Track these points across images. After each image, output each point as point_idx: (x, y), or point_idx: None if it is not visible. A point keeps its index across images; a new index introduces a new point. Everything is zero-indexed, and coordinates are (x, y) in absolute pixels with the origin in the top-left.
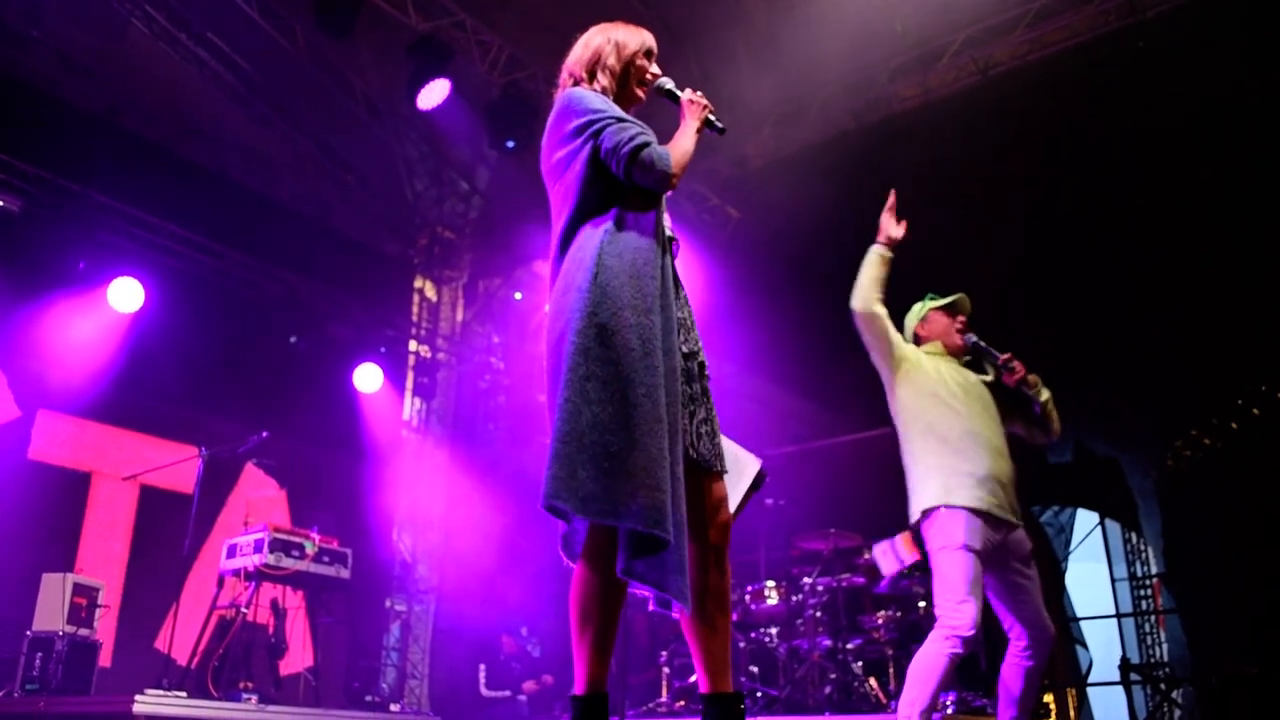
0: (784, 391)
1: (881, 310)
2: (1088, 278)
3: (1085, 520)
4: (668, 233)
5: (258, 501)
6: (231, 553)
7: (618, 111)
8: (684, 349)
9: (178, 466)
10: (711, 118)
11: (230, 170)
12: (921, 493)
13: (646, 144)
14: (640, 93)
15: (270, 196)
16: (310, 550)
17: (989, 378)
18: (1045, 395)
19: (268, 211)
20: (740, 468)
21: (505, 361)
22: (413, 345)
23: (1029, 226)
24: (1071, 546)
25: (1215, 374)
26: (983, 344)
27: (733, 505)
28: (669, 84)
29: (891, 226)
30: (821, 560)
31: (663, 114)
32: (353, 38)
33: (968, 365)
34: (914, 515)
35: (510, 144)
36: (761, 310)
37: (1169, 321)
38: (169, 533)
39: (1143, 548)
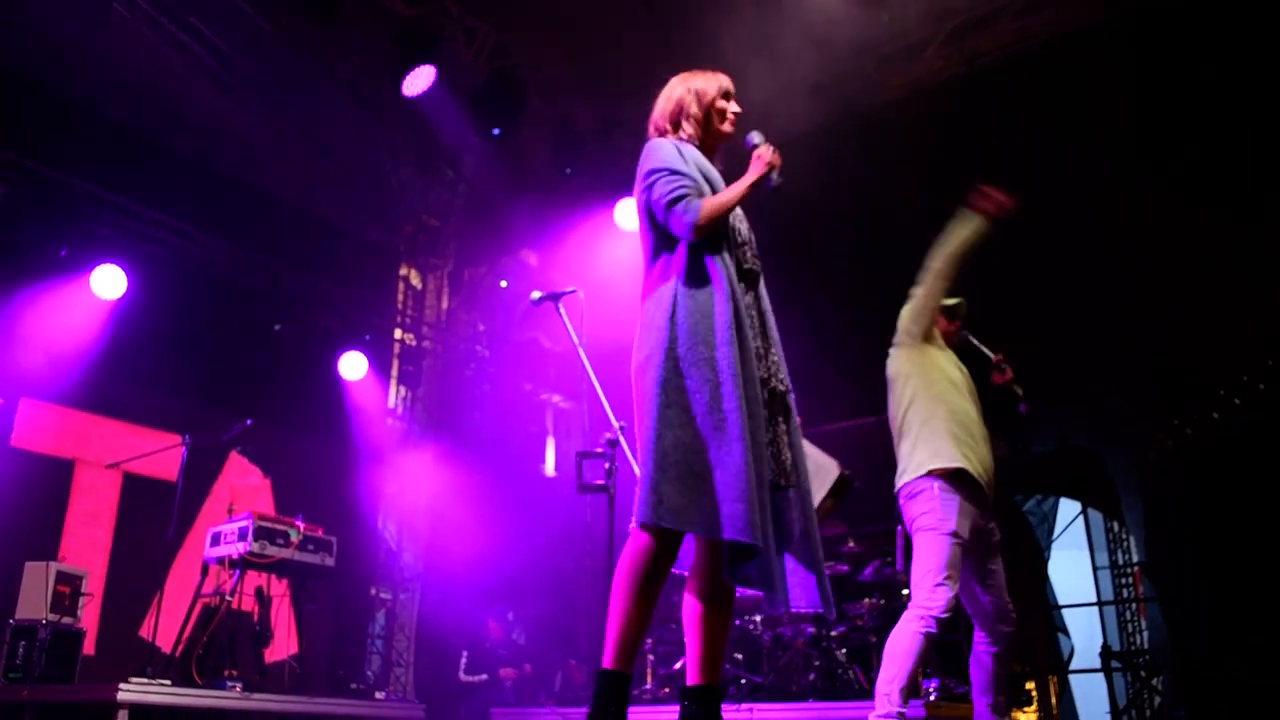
0: None
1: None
2: (1070, 268)
3: (1068, 509)
4: (747, 266)
5: (242, 489)
6: (216, 540)
7: (676, 164)
8: (777, 386)
9: (161, 454)
10: (774, 174)
11: (213, 157)
12: (924, 451)
13: (683, 196)
14: (727, 129)
15: (254, 183)
16: (295, 538)
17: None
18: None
19: (251, 198)
20: (819, 474)
21: (490, 349)
22: (398, 333)
23: (1012, 217)
24: (1054, 535)
25: (1197, 364)
26: (975, 342)
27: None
28: (757, 139)
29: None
30: None
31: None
32: (337, 23)
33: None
34: (911, 473)
35: (496, 131)
36: None
37: (1152, 312)
38: (153, 520)
39: (1124, 536)
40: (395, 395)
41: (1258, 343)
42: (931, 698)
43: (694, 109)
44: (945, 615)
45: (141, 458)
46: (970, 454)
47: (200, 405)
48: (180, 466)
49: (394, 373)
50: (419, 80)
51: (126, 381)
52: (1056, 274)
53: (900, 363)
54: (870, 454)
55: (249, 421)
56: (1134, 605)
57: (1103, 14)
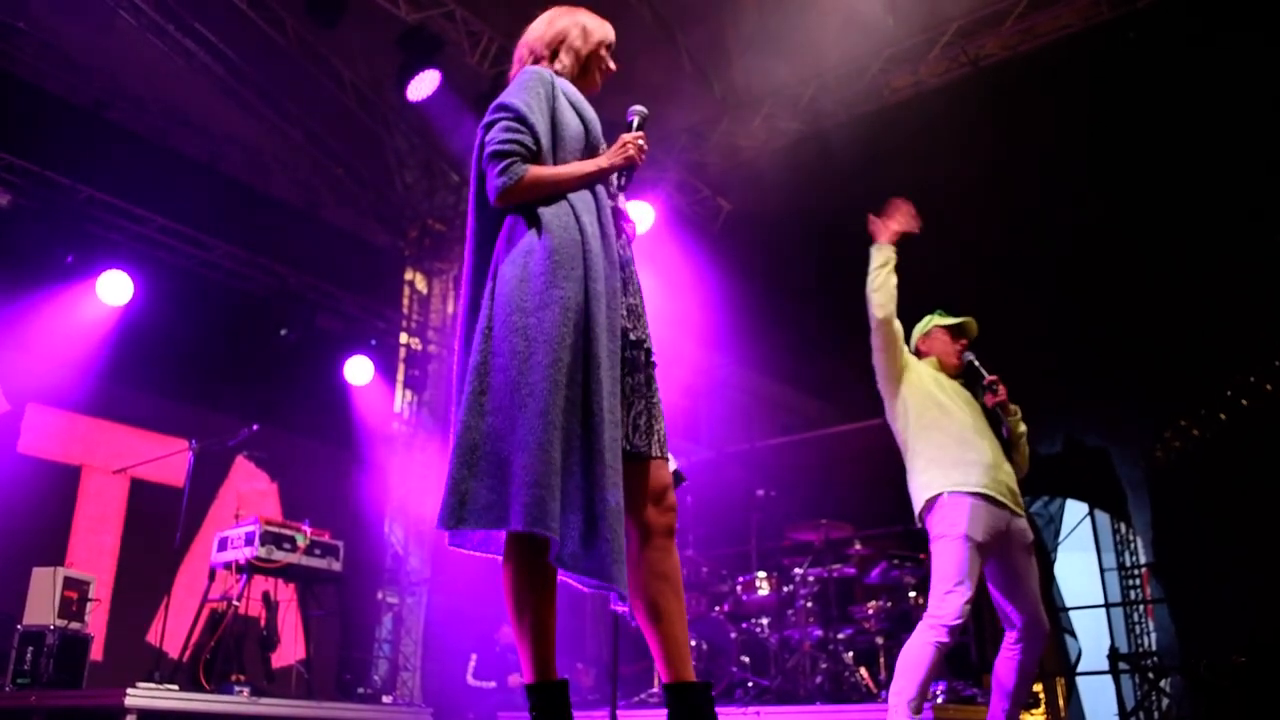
0: (776, 382)
1: (897, 321)
2: (1078, 268)
3: (1075, 510)
4: (599, 223)
5: (249, 494)
6: (223, 546)
7: (530, 112)
8: (633, 336)
9: (168, 459)
10: (624, 174)
11: (219, 162)
12: (925, 484)
13: (510, 152)
14: (598, 78)
15: (259, 188)
16: (302, 543)
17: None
18: (1022, 429)
19: (257, 203)
20: None
21: None
22: (403, 338)
23: (1019, 217)
24: (1061, 536)
25: (1205, 365)
26: (976, 362)
27: None
28: (636, 120)
29: (898, 224)
30: (813, 551)
31: (611, 99)
32: (341, 28)
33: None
34: (918, 507)
35: None
36: (753, 301)
37: (1159, 312)
38: (160, 526)
39: (1131, 538)
40: (401, 399)
41: (1265, 344)
42: (939, 700)
43: (578, 43)
44: (958, 622)
45: (148, 463)
46: (969, 469)
47: (206, 410)
48: (187, 472)
49: (400, 377)
50: (423, 85)
51: (133, 387)
52: (1064, 272)
53: (890, 393)
54: (876, 457)
55: (255, 426)
56: (1141, 607)
57: (1108, 13)
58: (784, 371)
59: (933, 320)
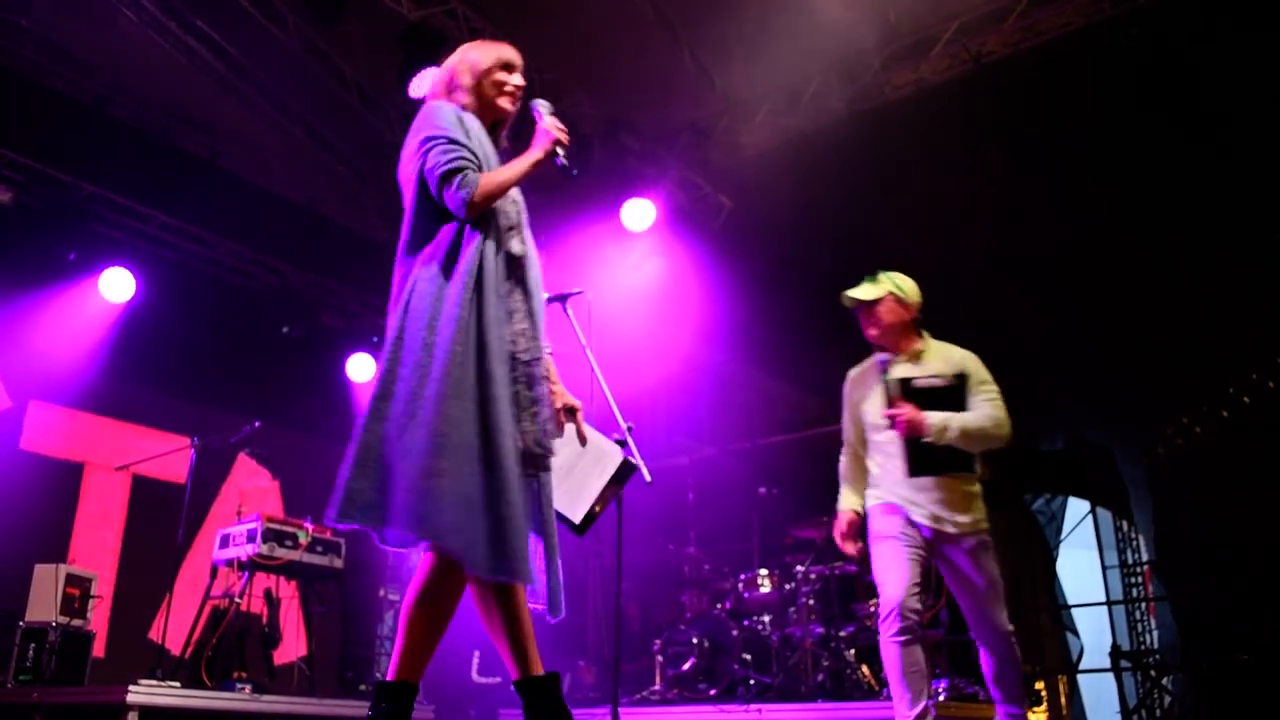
0: (777, 380)
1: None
2: (1079, 265)
3: (1076, 508)
4: (515, 252)
5: (251, 491)
6: (224, 543)
7: (455, 132)
8: (524, 356)
9: (170, 456)
10: (560, 151)
11: (221, 159)
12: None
13: (460, 169)
14: (504, 104)
15: (261, 185)
16: (303, 540)
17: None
18: (950, 434)
19: (259, 200)
20: (601, 459)
21: None
22: None
23: (1021, 215)
24: (1063, 534)
25: (1207, 362)
26: (892, 388)
27: (592, 498)
28: (544, 109)
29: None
30: (815, 548)
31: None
32: (343, 25)
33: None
34: None
35: None
36: (754, 298)
37: (1161, 309)
38: (162, 523)
39: (1134, 535)
40: None
41: (1267, 341)
42: (941, 697)
43: (465, 79)
44: (895, 610)
45: (150, 460)
46: (882, 488)
47: (208, 407)
48: (189, 469)
49: None
50: (425, 82)
51: (135, 384)
52: (1066, 270)
53: None
54: None
55: (257, 423)
56: (1143, 605)
57: (1110, 11)
58: (786, 369)
59: None
